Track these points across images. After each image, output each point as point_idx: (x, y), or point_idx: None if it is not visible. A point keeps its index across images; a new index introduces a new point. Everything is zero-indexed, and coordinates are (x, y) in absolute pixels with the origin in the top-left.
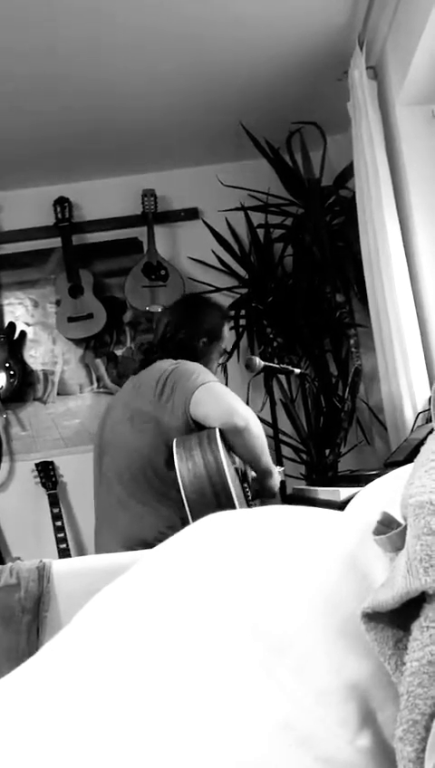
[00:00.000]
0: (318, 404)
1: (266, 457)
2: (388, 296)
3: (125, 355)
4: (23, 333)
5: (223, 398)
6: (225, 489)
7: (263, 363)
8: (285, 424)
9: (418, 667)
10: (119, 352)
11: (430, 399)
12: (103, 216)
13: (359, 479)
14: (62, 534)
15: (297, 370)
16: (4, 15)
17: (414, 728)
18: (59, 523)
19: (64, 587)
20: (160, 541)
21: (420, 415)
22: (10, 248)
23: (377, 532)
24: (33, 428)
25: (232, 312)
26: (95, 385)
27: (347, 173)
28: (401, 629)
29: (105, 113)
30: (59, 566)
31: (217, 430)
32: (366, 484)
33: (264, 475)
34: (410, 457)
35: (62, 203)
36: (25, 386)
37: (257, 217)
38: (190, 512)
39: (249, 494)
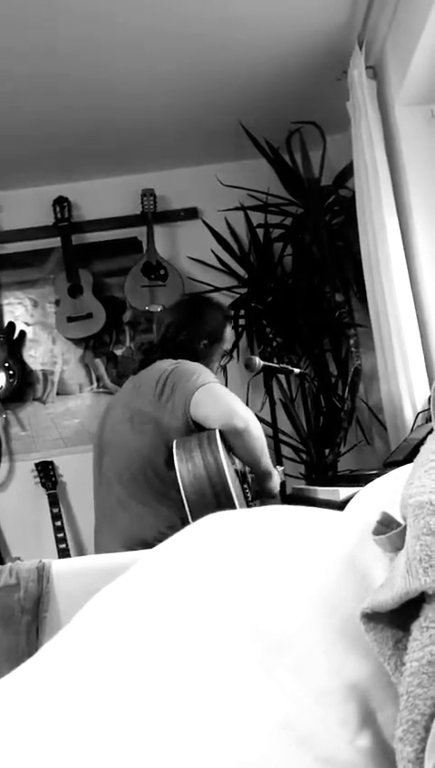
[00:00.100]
0: (318, 404)
1: (266, 459)
2: (387, 296)
3: (125, 355)
4: (22, 333)
5: (223, 399)
6: (225, 490)
7: (262, 363)
8: (284, 424)
9: (417, 667)
10: (118, 352)
11: (429, 399)
12: (103, 215)
13: (358, 479)
14: (61, 534)
15: (297, 370)
16: (5, 15)
17: (414, 728)
18: (58, 523)
19: (64, 587)
20: (160, 541)
21: (420, 414)
22: (9, 248)
23: (377, 532)
24: (32, 428)
25: (231, 312)
26: (95, 385)
27: (347, 173)
28: (401, 630)
29: (105, 113)
30: (58, 566)
31: (217, 431)
32: (366, 483)
33: (263, 476)
34: (409, 457)
35: (61, 203)
36: (25, 386)
37: (257, 217)
38: (190, 513)
39: (249, 494)
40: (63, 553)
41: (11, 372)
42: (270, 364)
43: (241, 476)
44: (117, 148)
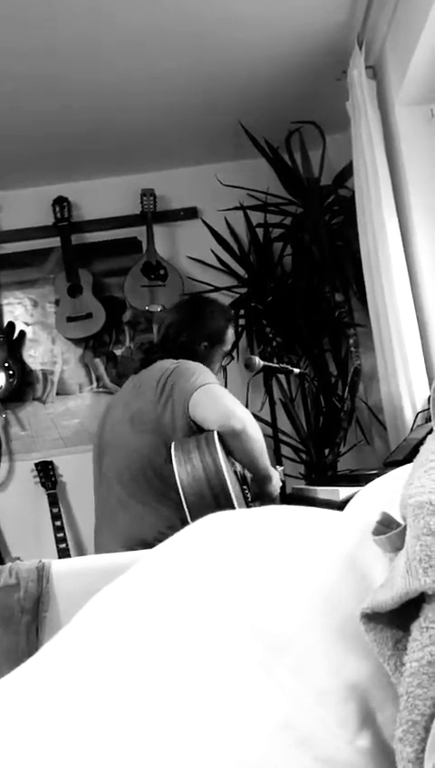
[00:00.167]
0: (317, 404)
1: (265, 461)
2: (387, 296)
3: (124, 355)
4: (22, 333)
5: (221, 400)
6: (224, 491)
7: (262, 363)
8: (284, 423)
9: (417, 667)
10: (118, 352)
11: (429, 399)
12: (102, 215)
13: (358, 479)
14: (61, 534)
15: (297, 370)
16: (5, 15)
17: (414, 729)
18: (58, 523)
19: (64, 587)
20: (160, 541)
21: (420, 414)
22: (9, 248)
23: (376, 532)
24: (32, 428)
25: (233, 312)
26: (94, 385)
27: (346, 172)
28: (401, 630)
29: (105, 113)
30: (58, 566)
31: (216, 433)
32: (365, 483)
33: (262, 479)
34: (409, 457)
35: (61, 202)
36: (25, 386)
37: (256, 217)
38: (190, 514)
39: (249, 495)
40: (63, 553)
41: (11, 372)
42: (270, 364)
43: (241, 478)
44: (117, 148)
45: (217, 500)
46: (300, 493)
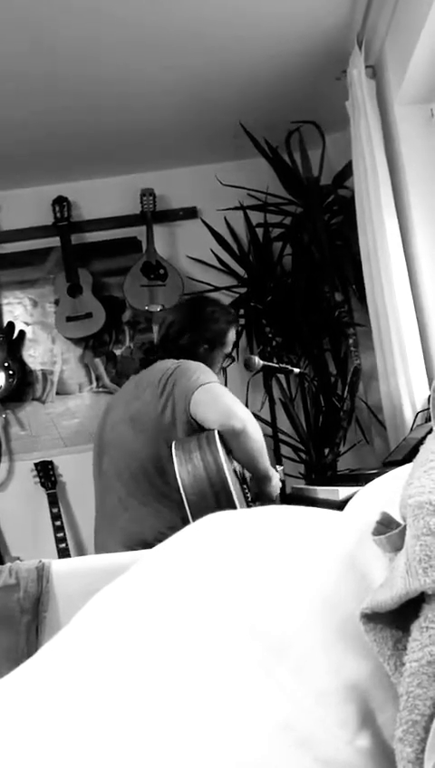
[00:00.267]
0: (317, 403)
1: (265, 462)
2: (387, 295)
3: (124, 354)
4: (21, 333)
5: (221, 399)
6: (225, 490)
7: (262, 362)
8: (284, 423)
9: (417, 667)
10: (118, 352)
11: (429, 398)
12: (102, 215)
13: (358, 478)
14: (61, 534)
15: (296, 370)
16: (4, 16)
17: (414, 729)
18: (58, 523)
19: (64, 587)
20: (160, 541)
21: (419, 414)
22: (9, 247)
23: (376, 532)
24: (32, 428)
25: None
26: (94, 384)
27: (346, 172)
28: (401, 630)
29: (104, 113)
30: (58, 566)
31: (216, 432)
32: (365, 483)
33: (262, 479)
34: (408, 457)
35: (60, 202)
36: (24, 385)
37: (256, 217)
38: (191, 514)
39: (249, 495)
40: (63, 553)
41: (10, 372)
42: (269, 364)
43: (240, 478)
44: (116, 148)
45: (218, 499)
46: (300, 492)
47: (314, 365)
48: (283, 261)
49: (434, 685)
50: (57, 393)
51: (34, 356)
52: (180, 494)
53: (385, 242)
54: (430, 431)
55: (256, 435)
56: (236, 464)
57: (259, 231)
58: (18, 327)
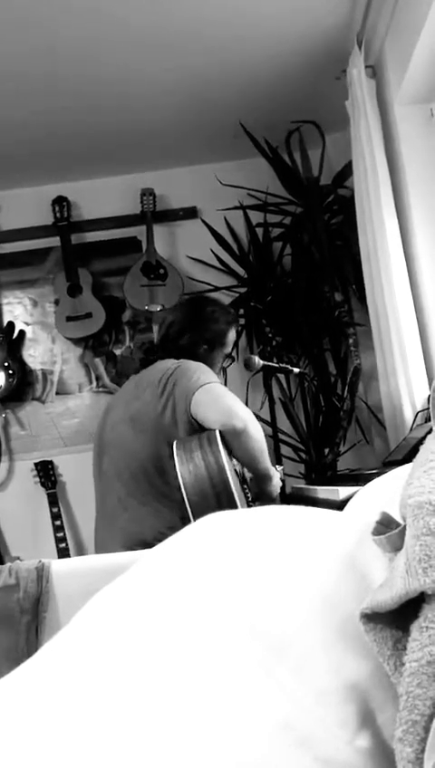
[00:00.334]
0: (317, 403)
1: (266, 461)
2: (387, 295)
3: (124, 354)
4: (21, 333)
5: (222, 399)
6: (226, 490)
7: (262, 362)
8: (284, 423)
9: (417, 667)
10: (118, 352)
11: (429, 398)
12: (102, 215)
13: (358, 478)
14: (61, 534)
15: (296, 369)
16: (5, 16)
17: (413, 729)
18: (58, 523)
19: (63, 587)
20: (160, 541)
21: (419, 414)
22: (9, 247)
23: (376, 532)
24: (32, 428)
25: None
26: (94, 384)
27: (346, 172)
28: (401, 630)
29: (104, 113)
30: (58, 566)
31: (217, 432)
32: (365, 483)
33: (262, 479)
34: (408, 456)
35: (60, 202)
36: (24, 385)
37: (256, 216)
38: (192, 513)
39: (249, 495)
40: (63, 553)
41: (10, 372)
42: (269, 363)
43: (241, 477)
44: (116, 148)
45: (219, 499)
46: (300, 492)
47: (314, 365)
48: (283, 261)
49: (434, 685)
50: (57, 393)
51: (34, 356)
52: (181, 493)
53: (385, 242)
54: (429, 431)
55: (257, 434)
56: (236, 463)
57: (259, 231)
58: (18, 327)
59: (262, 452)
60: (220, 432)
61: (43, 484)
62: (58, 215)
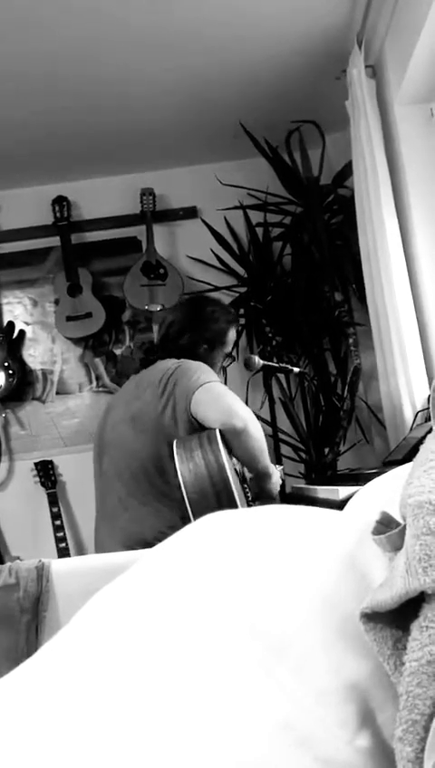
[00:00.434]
0: (317, 403)
1: (265, 460)
2: (387, 295)
3: (124, 354)
4: (21, 332)
5: (222, 398)
6: (226, 489)
7: (262, 362)
8: (284, 423)
9: (417, 667)
10: (118, 351)
11: (429, 398)
12: (102, 214)
13: (358, 478)
14: (61, 534)
15: (296, 369)
16: (5, 16)
17: (413, 728)
18: (58, 523)
19: (63, 586)
20: (160, 540)
21: (419, 414)
22: (9, 247)
23: (376, 531)
24: (32, 428)
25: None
26: (94, 384)
27: (346, 172)
28: (401, 629)
29: (104, 113)
30: (58, 566)
31: (217, 431)
32: (365, 482)
33: (262, 477)
34: (408, 456)
35: (60, 202)
36: (24, 385)
37: (256, 216)
38: (193, 512)
39: (249, 494)
40: (63, 553)
41: (10, 372)
42: (269, 363)
43: (240, 477)
44: (116, 148)
45: (219, 498)
46: (300, 492)
47: (314, 364)
48: (283, 260)
49: (434, 684)
50: (57, 393)
51: (34, 355)
52: (181, 492)
53: (385, 241)
54: (429, 431)
55: (257, 433)
56: (236, 462)
57: (259, 231)
58: (18, 327)
59: (262, 451)
60: (220, 431)
61: (43, 484)
62: (58, 214)
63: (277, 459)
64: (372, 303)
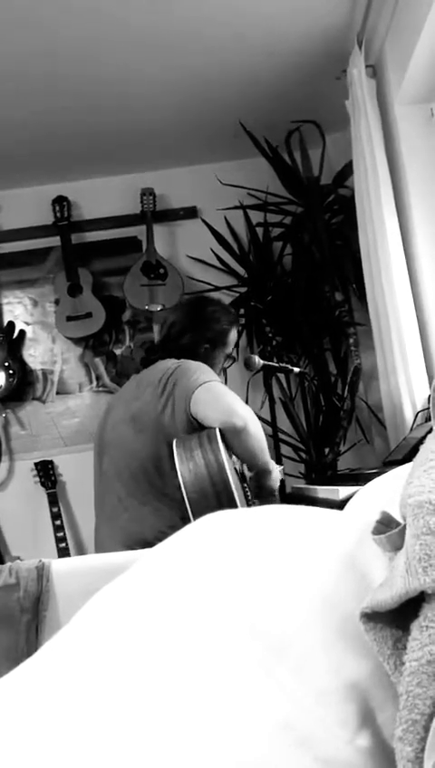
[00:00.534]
0: (317, 403)
1: (265, 456)
2: (387, 295)
3: (124, 354)
4: (22, 332)
5: (222, 398)
6: (226, 489)
7: (262, 362)
8: (284, 423)
9: (417, 666)
10: (118, 351)
11: (429, 398)
12: (102, 214)
13: (358, 478)
14: (61, 534)
15: (296, 369)
16: (4, 16)
17: (413, 728)
18: (58, 523)
19: (64, 586)
20: (160, 540)
21: (420, 413)
22: (9, 247)
23: (376, 531)
24: (32, 428)
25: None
26: (94, 384)
27: (346, 171)
28: (401, 629)
29: (104, 113)
30: (58, 565)
31: (217, 430)
32: (365, 482)
33: (262, 473)
34: (409, 456)
35: (60, 202)
36: (25, 385)
37: (256, 216)
38: (192, 512)
39: (249, 493)
40: (63, 553)
41: (11, 371)
42: (270, 363)
43: (240, 476)
44: (116, 148)
45: (219, 497)
46: (300, 492)
47: (314, 364)
48: (283, 260)
49: (434, 684)
50: (57, 393)
51: (35, 355)
52: (181, 492)
53: (385, 241)
54: (430, 431)
55: (257, 432)
56: (236, 461)
57: (259, 230)
58: (18, 326)
59: (262, 449)
60: (220, 430)
61: (43, 484)
62: (58, 214)
63: (277, 459)
64: (373, 303)
